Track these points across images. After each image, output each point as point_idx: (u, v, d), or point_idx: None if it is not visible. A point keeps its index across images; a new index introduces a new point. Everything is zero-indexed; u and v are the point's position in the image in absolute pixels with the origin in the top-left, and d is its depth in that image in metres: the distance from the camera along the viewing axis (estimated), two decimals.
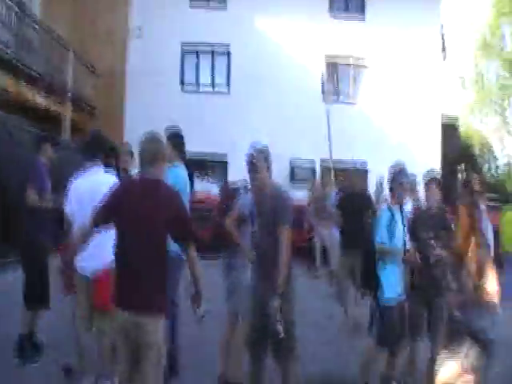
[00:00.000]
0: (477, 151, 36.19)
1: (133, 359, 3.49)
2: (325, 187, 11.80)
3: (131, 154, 6.35)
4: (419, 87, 17.90)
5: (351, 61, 18.64)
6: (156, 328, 3.45)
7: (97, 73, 16.48)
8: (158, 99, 16.83)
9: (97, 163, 4.93)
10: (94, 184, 4.58)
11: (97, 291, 4.61)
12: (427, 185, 5.66)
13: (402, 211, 5.25)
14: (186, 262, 5.10)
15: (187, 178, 5.39)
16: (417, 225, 5.58)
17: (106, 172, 4.98)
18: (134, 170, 5.51)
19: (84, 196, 4.56)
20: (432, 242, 5.46)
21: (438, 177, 5.81)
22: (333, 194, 10.43)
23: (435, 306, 5.42)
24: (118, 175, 5.46)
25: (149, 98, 16.72)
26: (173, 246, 4.86)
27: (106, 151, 5.22)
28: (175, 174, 5.17)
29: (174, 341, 5.16)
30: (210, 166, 18.14)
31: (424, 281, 5.46)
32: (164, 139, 4.16)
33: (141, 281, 3.46)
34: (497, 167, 38.22)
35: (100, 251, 4.34)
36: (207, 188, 14.75)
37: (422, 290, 5.49)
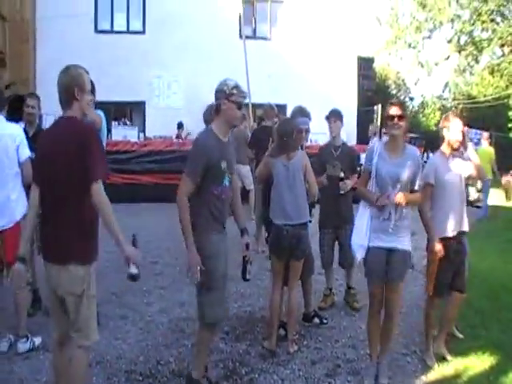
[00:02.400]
0: (391, 86, 37.30)
1: (61, 311, 3.39)
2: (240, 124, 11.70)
3: (38, 99, 5.93)
4: (335, 27, 17.86)
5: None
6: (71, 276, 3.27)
7: (4, 18, 15.30)
8: (71, 43, 15.91)
9: None
10: None
11: (7, 245, 4.49)
12: (329, 119, 5.95)
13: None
14: None
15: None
16: (323, 158, 5.92)
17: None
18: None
19: None
20: (341, 174, 5.71)
21: (338, 112, 5.99)
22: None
23: (342, 236, 5.80)
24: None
25: (61, 42, 15.80)
26: None
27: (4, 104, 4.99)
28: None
29: None
30: (127, 109, 17.65)
31: (331, 212, 5.86)
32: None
33: (57, 230, 3.29)
34: (411, 99, 39.62)
35: (7, 207, 4.48)
36: (125, 133, 14.34)
37: (329, 221, 5.90)
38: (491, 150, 13.53)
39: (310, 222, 5.22)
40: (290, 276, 4.88)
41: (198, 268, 3.69)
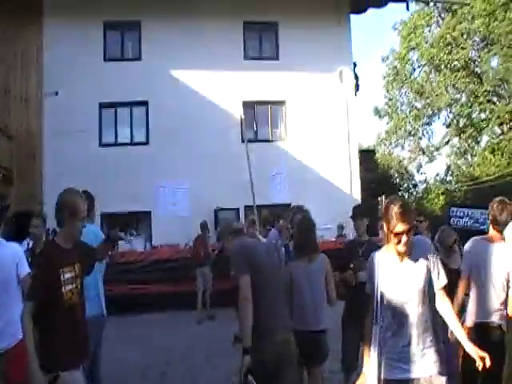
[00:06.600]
0: (394, 175, 37.58)
1: None
2: (248, 229, 11.56)
3: (43, 218, 5.92)
4: (336, 123, 18.29)
5: (269, 103, 18.79)
6: None
7: (12, 137, 15.79)
8: (77, 158, 16.38)
9: None
10: None
11: (14, 367, 4.37)
12: (355, 217, 5.99)
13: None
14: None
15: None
16: (348, 255, 5.92)
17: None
18: None
19: None
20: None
21: (364, 210, 6.23)
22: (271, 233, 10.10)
23: None
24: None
25: (66, 156, 16.27)
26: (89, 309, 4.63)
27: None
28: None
29: None
30: (133, 219, 17.73)
31: (355, 309, 5.46)
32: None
33: None
34: (415, 186, 39.61)
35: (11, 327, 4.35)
36: (131, 244, 14.26)
37: (353, 318, 5.51)
38: None
39: None
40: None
41: None
